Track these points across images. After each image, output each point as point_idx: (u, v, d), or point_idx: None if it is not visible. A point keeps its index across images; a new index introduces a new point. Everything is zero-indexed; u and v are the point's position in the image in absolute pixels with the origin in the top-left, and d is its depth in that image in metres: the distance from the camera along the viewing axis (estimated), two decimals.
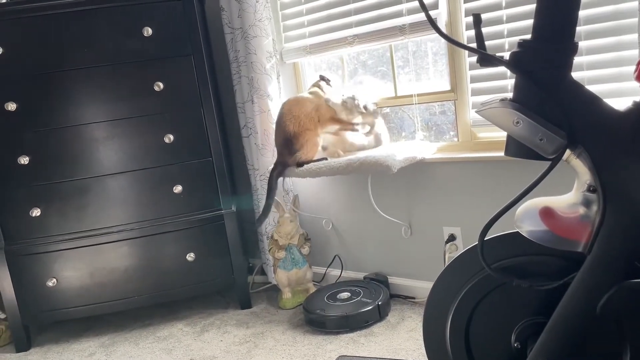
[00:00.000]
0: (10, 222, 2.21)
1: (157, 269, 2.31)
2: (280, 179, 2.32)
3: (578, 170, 1.03)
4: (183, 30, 2.21)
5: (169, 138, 2.24)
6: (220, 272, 2.37)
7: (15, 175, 2.18)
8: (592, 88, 1.01)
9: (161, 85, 2.21)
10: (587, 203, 1.02)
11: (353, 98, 2.18)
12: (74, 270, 2.25)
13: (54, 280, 2.24)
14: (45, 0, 2.11)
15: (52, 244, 2.23)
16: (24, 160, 2.16)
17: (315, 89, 2.29)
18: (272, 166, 2.29)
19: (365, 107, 2.19)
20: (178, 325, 2.35)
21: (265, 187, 2.45)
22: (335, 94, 2.26)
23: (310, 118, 2.18)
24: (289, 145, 2.19)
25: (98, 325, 2.45)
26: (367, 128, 2.27)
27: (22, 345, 2.28)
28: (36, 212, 2.20)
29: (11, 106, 2.13)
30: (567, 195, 1.06)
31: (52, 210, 2.22)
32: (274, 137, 2.40)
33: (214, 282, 2.38)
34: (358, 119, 2.22)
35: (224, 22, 2.44)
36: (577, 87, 0.99)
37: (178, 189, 2.28)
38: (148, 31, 2.17)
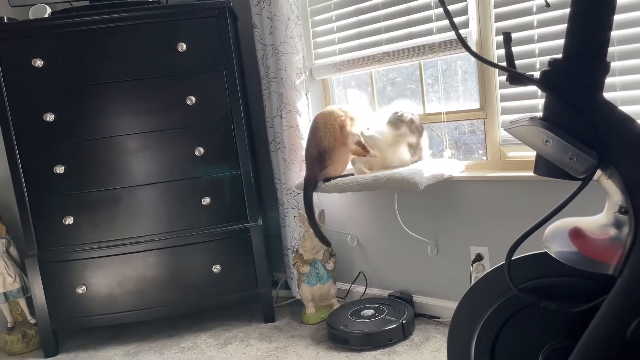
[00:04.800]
0: (43, 229, 2.28)
1: (183, 279, 2.34)
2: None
3: (609, 191, 1.02)
4: (216, 46, 2.26)
5: (199, 151, 2.29)
6: (245, 285, 2.38)
7: (50, 183, 2.25)
8: (625, 109, 1.00)
9: (193, 99, 2.26)
10: (618, 224, 1.01)
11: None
12: (103, 278, 2.30)
13: (84, 287, 2.29)
14: (84, 15, 2.20)
15: (83, 252, 2.28)
16: (60, 169, 2.23)
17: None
18: (303, 184, 2.24)
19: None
20: (202, 336, 2.36)
21: (292, 201, 2.47)
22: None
23: (338, 133, 2.18)
24: (321, 161, 2.18)
25: (124, 334, 2.48)
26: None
27: (50, 351, 2.33)
28: (69, 220, 2.26)
29: (50, 117, 2.21)
30: (598, 216, 1.04)
31: (84, 218, 2.28)
32: (301, 152, 2.42)
33: (238, 294, 2.39)
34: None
35: (255, 38, 2.49)
36: (609, 107, 0.98)
37: (206, 201, 2.31)
38: (182, 46, 2.22)
